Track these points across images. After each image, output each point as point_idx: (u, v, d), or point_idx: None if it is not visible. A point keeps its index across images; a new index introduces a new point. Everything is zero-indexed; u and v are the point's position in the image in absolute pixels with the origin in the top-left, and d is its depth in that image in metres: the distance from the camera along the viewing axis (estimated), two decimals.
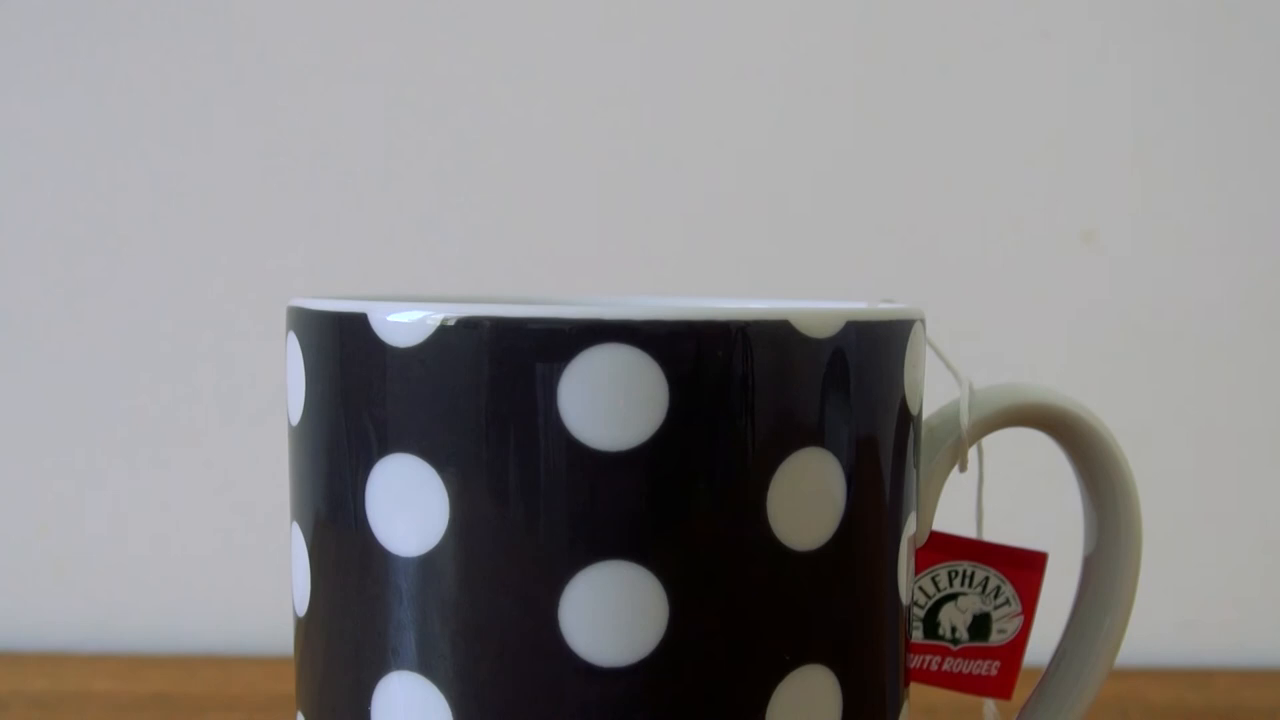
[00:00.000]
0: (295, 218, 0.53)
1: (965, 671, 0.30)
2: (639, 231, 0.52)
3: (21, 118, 0.53)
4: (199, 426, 0.53)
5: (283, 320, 0.26)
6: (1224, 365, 0.53)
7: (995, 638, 0.30)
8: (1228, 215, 0.52)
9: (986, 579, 0.30)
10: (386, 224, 0.53)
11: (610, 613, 0.22)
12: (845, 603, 0.24)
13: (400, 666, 0.23)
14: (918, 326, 0.25)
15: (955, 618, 0.30)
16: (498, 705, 0.23)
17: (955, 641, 0.30)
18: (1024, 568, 0.30)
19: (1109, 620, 0.29)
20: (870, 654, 0.25)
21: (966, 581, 0.29)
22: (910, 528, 0.26)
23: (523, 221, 0.52)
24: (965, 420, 0.27)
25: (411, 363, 0.23)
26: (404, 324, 0.23)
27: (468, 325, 0.22)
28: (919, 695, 0.29)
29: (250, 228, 0.53)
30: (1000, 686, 0.30)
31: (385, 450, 0.23)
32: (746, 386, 0.23)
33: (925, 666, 0.30)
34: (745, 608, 0.23)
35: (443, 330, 0.22)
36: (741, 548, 0.23)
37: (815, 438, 0.23)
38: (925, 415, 0.27)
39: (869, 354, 0.24)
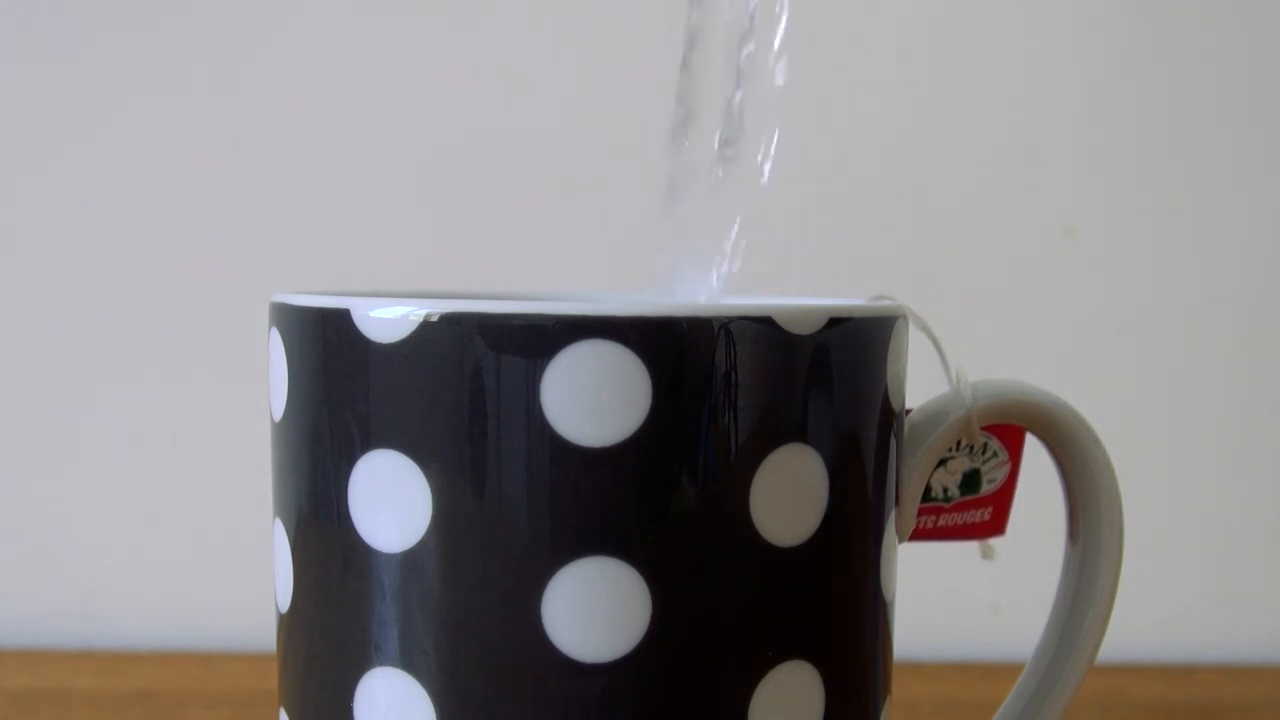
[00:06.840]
0: (278, 212, 0.53)
1: (959, 523, 0.30)
2: (622, 227, 0.52)
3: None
4: (181, 421, 0.53)
5: (265, 316, 0.26)
6: (1207, 361, 0.53)
7: (986, 488, 0.30)
8: (1211, 210, 0.53)
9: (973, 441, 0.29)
10: (370, 219, 0.52)
11: (593, 609, 0.22)
12: (828, 599, 0.24)
13: (383, 662, 0.23)
14: (900, 323, 0.26)
15: (945, 480, 0.29)
16: (480, 701, 0.23)
17: (948, 500, 0.30)
18: (1005, 429, 0.29)
19: (1090, 616, 0.29)
20: (853, 650, 0.25)
21: (953, 446, 0.29)
22: (893, 524, 0.26)
23: (506, 217, 0.52)
24: (966, 412, 0.27)
25: (394, 359, 0.23)
26: (387, 320, 0.23)
27: (450, 321, 0.22)
28: (901, 691, 0.29)
29: (233, 222, 0.53)
30: (994, 527, 0.30)
31: (368, 446, 0.23)
32: (730, 383, 0.23)
33: (920, 526, 0.30)
34: (728, 604, 0.23)
35: (426, 326, 0.22)
36: (725, 544, 0.23)
37: (798, 434, 0.23)
38: (908, 412, 0.27)
39: (852, 350, 0.24)
